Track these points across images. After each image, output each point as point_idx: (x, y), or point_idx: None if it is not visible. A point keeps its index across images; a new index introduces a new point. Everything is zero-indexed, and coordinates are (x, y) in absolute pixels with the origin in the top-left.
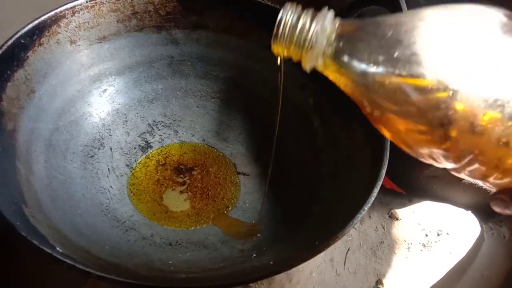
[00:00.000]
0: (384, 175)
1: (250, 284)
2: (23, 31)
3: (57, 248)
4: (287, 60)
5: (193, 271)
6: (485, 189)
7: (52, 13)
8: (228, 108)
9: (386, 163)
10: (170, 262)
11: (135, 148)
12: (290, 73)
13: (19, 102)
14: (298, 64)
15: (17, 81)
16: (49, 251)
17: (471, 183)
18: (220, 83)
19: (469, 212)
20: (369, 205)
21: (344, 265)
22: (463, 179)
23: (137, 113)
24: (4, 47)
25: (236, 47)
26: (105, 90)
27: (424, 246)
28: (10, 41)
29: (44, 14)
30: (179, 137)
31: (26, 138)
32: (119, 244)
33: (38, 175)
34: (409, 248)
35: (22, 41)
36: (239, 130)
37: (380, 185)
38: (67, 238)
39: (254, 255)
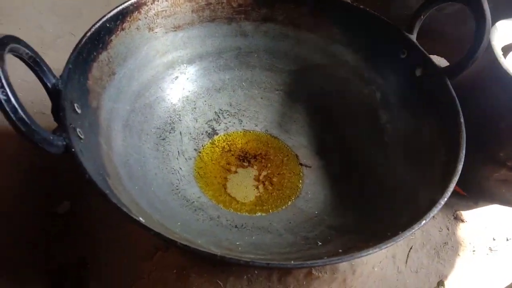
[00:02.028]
0: (460, 171)
1: (314, 272)
2: (109, 15)
3: (140, 218)
4: (354, 54)
5: (260, 253)
6: None
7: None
8: (291, 100)
9: (463, 158)
10: (237, 243)
11: (202, 134)
12: (356, 67)
13: (101, 82)
14: (369, 59)
15: (101, 63)
16: (136, 218)
17: None
18: (285, 76)
19: None
20: (445, 199)
21: (406, 263)
22: None
23: (205, 101)
24: (93, 29)
25: (305, 41)
26: (176, 77)
27: (491, 250)
28: (98, 24)
29: (127, 0)
30: (243, 126)
31: (107, 116)
32: (189, 222)
33: (116, 152)
34: (474, 251)
35: (108, 25)
36: (301, 123)
37: (457, 179)
38: (144, 211)
39: (320, 243)
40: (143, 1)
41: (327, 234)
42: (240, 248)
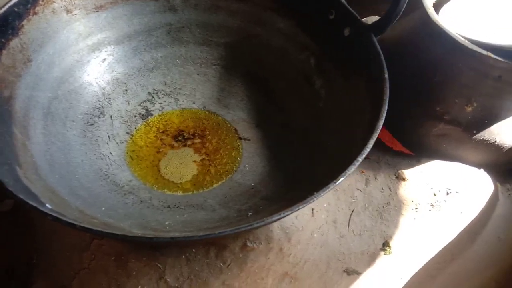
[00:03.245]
0: (380, 127)
1: (249, 244)
2: None
3: (47, 205)
4: (287, 20)
5: (187, 230)
6: (498, 145)
7: None
8: (229, 74)
9: (384, 114)
10: (166, 222)
11: (135, 116)
12: (290, 34)
13: (15, 70)
14: (301, 24)
15: (13, 50)
16: (33, 204)
17: (483, 139)
18: (221, 50)
19: (481, 170)
20: (363, 156)
21: (348, 226)
22: (474, 136)
23: (137, 82)
24: None
25: (237, 11)
26: (104, 59)
27: (433, 206)
28: (3, 9)
29: None
30: (180, 104)
31: (23, 105)
32: (116, 206)
33: (35, 141)
34: (417, 208)
35: (16, 10)
36: (240, 96)
37: (376, 135)
38: (62, 198)
39: (250, 214)
40: None
41: (260, 204)
42: (167, 228)
